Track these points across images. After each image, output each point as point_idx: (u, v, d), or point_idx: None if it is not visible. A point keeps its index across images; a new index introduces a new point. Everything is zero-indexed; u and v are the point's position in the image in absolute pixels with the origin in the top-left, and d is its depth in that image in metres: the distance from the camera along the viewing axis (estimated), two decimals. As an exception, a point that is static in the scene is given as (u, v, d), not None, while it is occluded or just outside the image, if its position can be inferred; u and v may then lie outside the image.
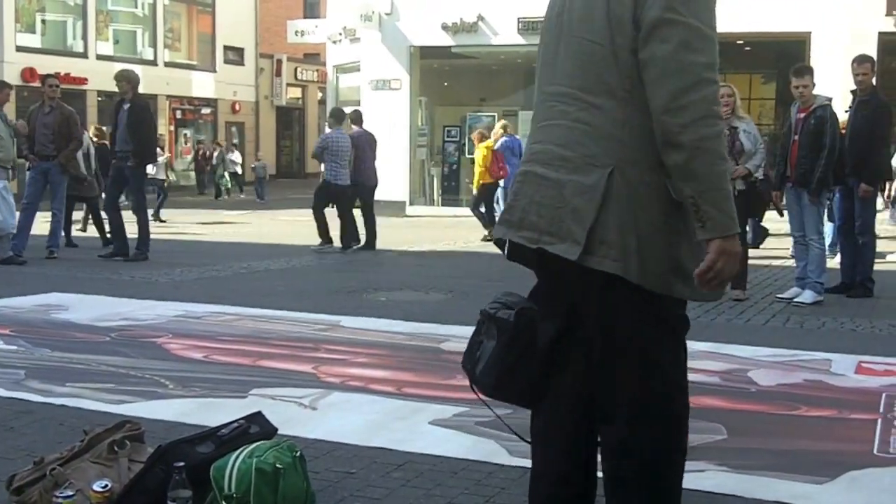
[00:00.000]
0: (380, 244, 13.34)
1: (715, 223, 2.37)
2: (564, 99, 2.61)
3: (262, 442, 3.49)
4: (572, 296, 2.64)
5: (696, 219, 2.39)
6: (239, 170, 30.28)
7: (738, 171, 8.30)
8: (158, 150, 18.22)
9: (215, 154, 29.86)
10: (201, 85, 34.12)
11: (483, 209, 14.93)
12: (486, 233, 14.28)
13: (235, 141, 33.75)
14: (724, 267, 2.40)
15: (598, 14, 2.51)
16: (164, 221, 18.13)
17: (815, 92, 8.60)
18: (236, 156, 30.55)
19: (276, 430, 3.84)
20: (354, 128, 13.75)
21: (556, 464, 2.78)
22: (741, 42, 21.96)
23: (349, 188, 13.17)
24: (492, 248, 12.25)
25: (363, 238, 13.27)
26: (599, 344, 2.59)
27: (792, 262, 9.54)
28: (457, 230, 16.31)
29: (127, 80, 11.61)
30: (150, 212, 14.00)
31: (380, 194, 14.12)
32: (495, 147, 14.99)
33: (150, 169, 16.17)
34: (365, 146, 13.40)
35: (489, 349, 2.73)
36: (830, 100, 8.60)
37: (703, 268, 2.41)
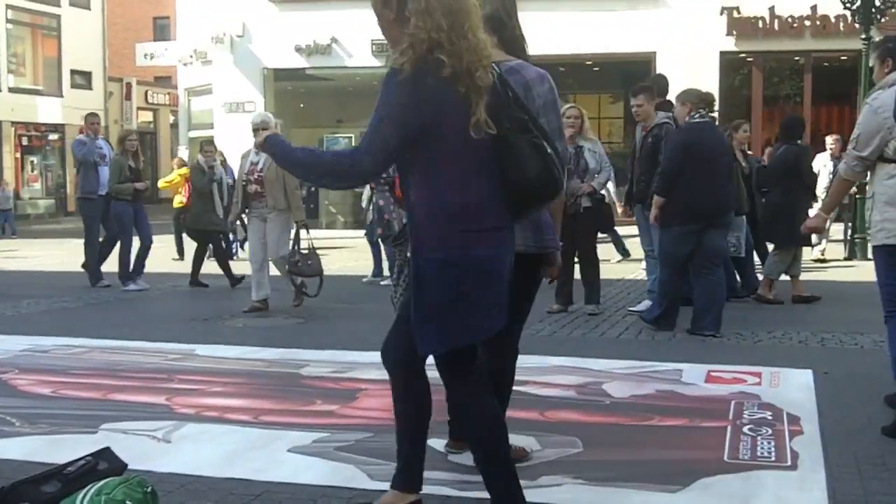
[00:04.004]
0: (236, 269, 13.07)
1: None
2: None
3: (112, 478, 3.39)
4: None
5: None
6: None
7: (584, 188, 8.54)
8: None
9: None
10: (48, 110, 33.04)
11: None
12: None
13: None
14: None
15: None
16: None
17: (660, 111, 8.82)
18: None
19: (126, 465, 3.72)
20: None
21: None
22: (590, 63, 22.57)
23: None
24: (346, 270, 12.09)
25: None
26: None
27: (644, 276, 9.80)
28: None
29: None
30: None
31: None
32: None
33: None
34: None
35: None
36: (670, 117, 8.71)
37: None
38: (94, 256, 12.00)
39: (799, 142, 9.91)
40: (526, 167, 3.17)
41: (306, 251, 9.48)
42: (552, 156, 3.23)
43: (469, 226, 3.14)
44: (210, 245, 12.29)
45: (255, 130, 9.46)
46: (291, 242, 9.41)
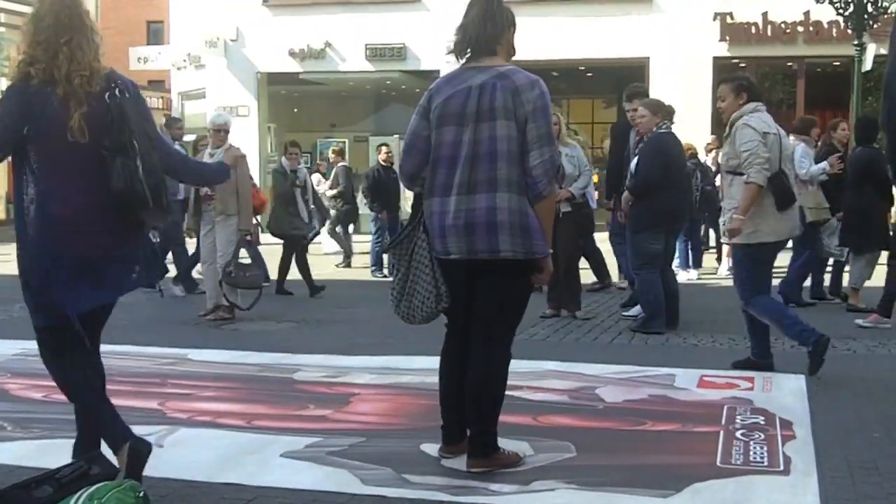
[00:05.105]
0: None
1: None
2: None
3: (104, 483, 3.38)
4: None
5: None
6: None
7: (561, 195, 8.47)
8: (321, 178, 16.13)
9: None
10: (40, 114, 32.95)
11: None
12: None
13: None
14: None
15: None
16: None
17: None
18: None
19: (119, 470, 3.71)
20: None
21: None
22: (583, 68, 22.58)
23: None
24: (340, 275, 12.04)
25: None
26: None
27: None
28: (309, 257, 16.11)
29: None
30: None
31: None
32: None
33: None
34: None
35: None
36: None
37: None
38: (187, 261, 11.56)
39: (875, 144, 9.30)
40: (113, 183, 3.66)
41: (247, 261, 9.31)
42: (140, 177, 3.69)
43: (66, 227, 3.68)
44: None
45: (217, 131, 9.45)
46: (233, 250, 9.04)
